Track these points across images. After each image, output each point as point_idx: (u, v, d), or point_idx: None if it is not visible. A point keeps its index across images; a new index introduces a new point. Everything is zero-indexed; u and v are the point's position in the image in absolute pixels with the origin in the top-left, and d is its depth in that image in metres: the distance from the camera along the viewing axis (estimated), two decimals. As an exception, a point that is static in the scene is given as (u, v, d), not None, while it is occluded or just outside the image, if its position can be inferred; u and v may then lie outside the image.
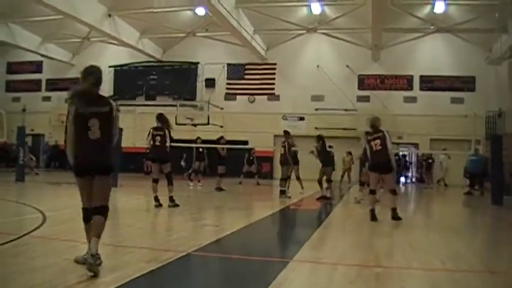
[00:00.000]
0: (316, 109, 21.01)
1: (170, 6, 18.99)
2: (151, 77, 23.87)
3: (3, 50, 24.51)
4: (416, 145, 20.57)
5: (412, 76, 21.47)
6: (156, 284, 3.60)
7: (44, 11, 17.14)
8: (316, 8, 19.87)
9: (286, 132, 11.76)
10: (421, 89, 21.34)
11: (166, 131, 8.66)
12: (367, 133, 9.06)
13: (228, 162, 13.62)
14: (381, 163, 7.44)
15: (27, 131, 15.81)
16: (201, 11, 19.63)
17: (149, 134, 8.73)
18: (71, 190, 10.03)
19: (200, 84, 23.19)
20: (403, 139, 19.59)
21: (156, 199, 8.49)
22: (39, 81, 24.93)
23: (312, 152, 11.79)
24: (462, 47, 20.75)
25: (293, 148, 12.02)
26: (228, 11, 16.50)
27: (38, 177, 16.48)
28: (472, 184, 15.22)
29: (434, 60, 21.16)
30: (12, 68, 26.19)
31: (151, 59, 23.42)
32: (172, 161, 8.97)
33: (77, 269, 3.61)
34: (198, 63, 23.22)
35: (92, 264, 3.45)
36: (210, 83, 22.90)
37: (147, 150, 11.23)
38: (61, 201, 9.41)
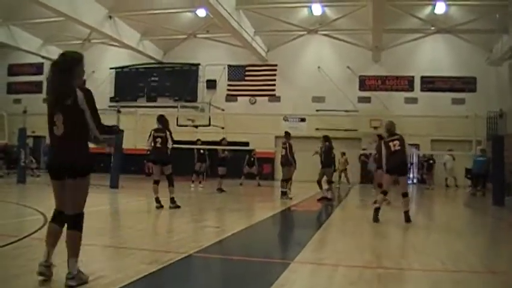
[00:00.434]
0: (317, 110, 20.97)
1: (171, 7, 19.04)
2: (152, 78, 23.89)
3: (4, 52, 24.55)
4: (417, 146, 20.51)
5: (413, 77, 21.47)
6: (157, 285, 3.60)
7: (45, 13, 17.14)
8: (317, 9, 19.88)
9: (287, 134, 11.76)
10: (422, 89, 21.35)
11: (167, 133, 8.68)
12: (379, 136, 9.13)
13: (229, 163, 13.62)
14: (399, 163, 7.44)
15: (28, 132, 15.84)
16: (201, 12, 19.62)
17: (150, 135, 8.76)
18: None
19: (201, 86, 23.20)
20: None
21: (157, 200, 8.50)
22: (40, 83, 24.87)
23: (317, 152, 11.77)
24: (463, 47, 20.76)
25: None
26: (228, 12, 16.51)
27: (39, 178, 16.47)
28: (475, 184, 15.17)
29: (435, 61, 21.15)
30: (13, 70, 26.23)
31: (152, 61, 23.43)
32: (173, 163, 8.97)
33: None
34: (198, 64, 23.22)
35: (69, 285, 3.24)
36: (211, 84, 22.91)
37: (148, 152, 11.25)
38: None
